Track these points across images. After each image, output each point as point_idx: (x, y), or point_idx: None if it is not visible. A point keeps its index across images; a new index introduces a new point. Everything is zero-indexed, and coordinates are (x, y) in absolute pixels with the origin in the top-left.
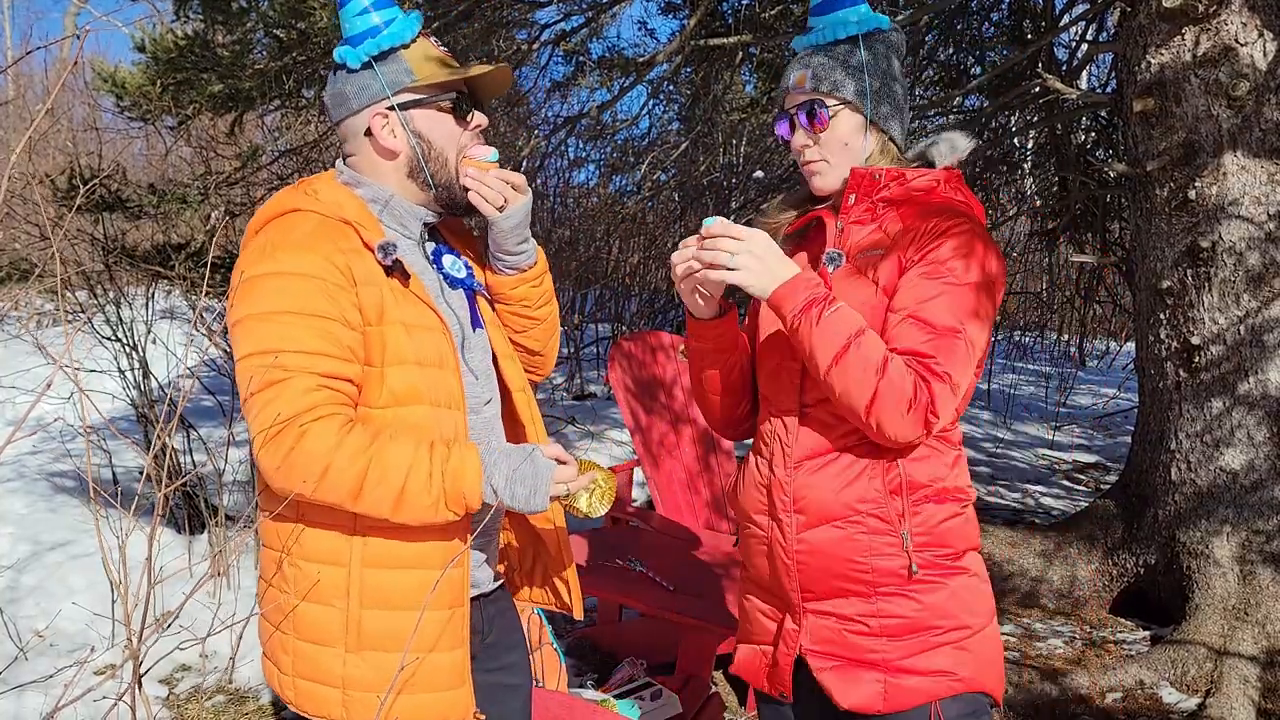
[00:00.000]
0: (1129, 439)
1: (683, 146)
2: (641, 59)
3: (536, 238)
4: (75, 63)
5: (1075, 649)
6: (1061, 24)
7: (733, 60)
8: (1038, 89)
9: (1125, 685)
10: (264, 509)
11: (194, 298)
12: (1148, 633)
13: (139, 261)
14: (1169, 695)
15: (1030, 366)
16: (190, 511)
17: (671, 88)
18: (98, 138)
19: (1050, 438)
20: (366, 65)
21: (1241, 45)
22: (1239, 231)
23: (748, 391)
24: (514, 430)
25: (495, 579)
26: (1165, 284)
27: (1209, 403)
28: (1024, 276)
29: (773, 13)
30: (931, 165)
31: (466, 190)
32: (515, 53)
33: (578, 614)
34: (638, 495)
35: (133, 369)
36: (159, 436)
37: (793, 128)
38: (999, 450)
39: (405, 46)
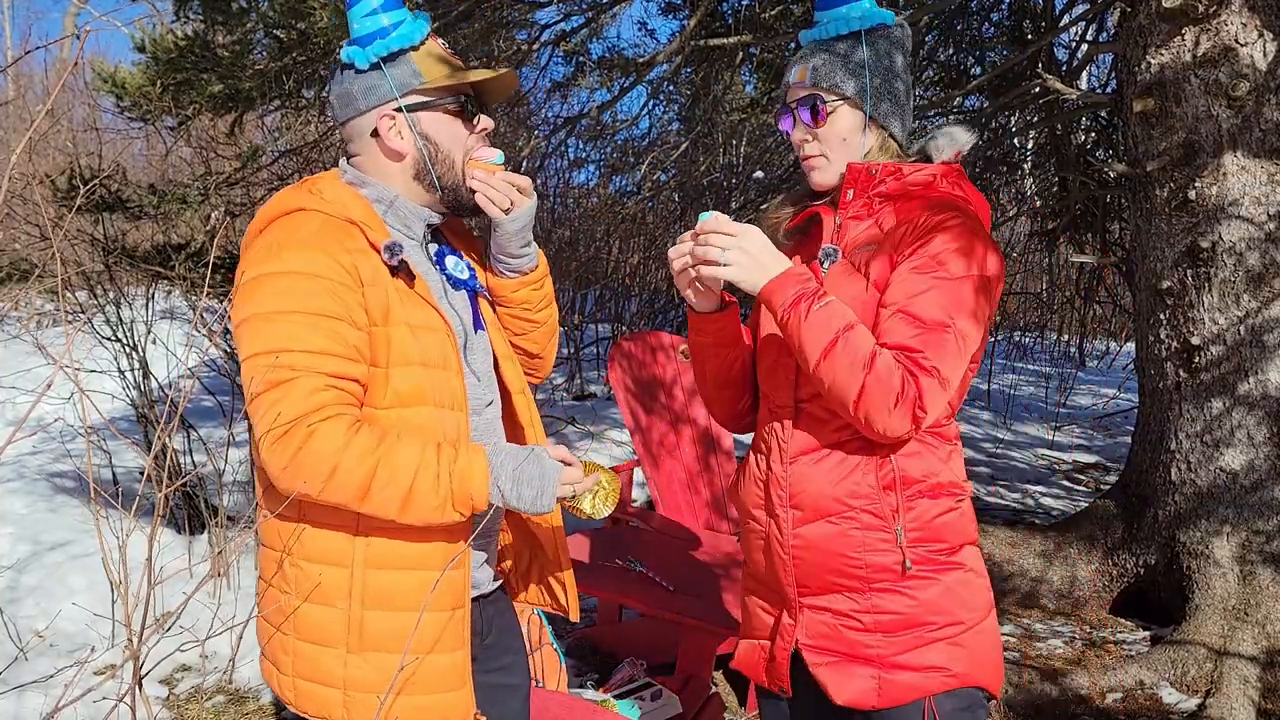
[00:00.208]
0: (1129, 439)
1: (683, 147)
2: (641, 59)
3: (536, 238)
4: (75, 63)
5: (1075, 649)
6: (1061, 24)
7: (733, 60)
8: (1038, 89)
9: (1125, 685)
10: (265, 509)
11: (194, 298)
12: (1148, 633)
13: (139, 262)
14: (1169, 695)
15: (1030, 367)
16: (190, 512)
17: (671, 88)
18: (98, 138)
19: (1050, 438)
20: (374, 66)
21: (1241, 45)
22: (1239, 232)
23: (749, 386)
24: (513, 432)
25: (494, 579)
26: (1165, 284)
27: (1209, 403)
28: (1024, 277)
29: (773, 13)
30: (931, 161)
31: (473, 192)
32: (515, 53)
33: (574, 615)
34: (638, 495)
35: (133, 369)
36: (160, 437)
37: (794, 122)
38: (999, 450)
39: (414, 48)
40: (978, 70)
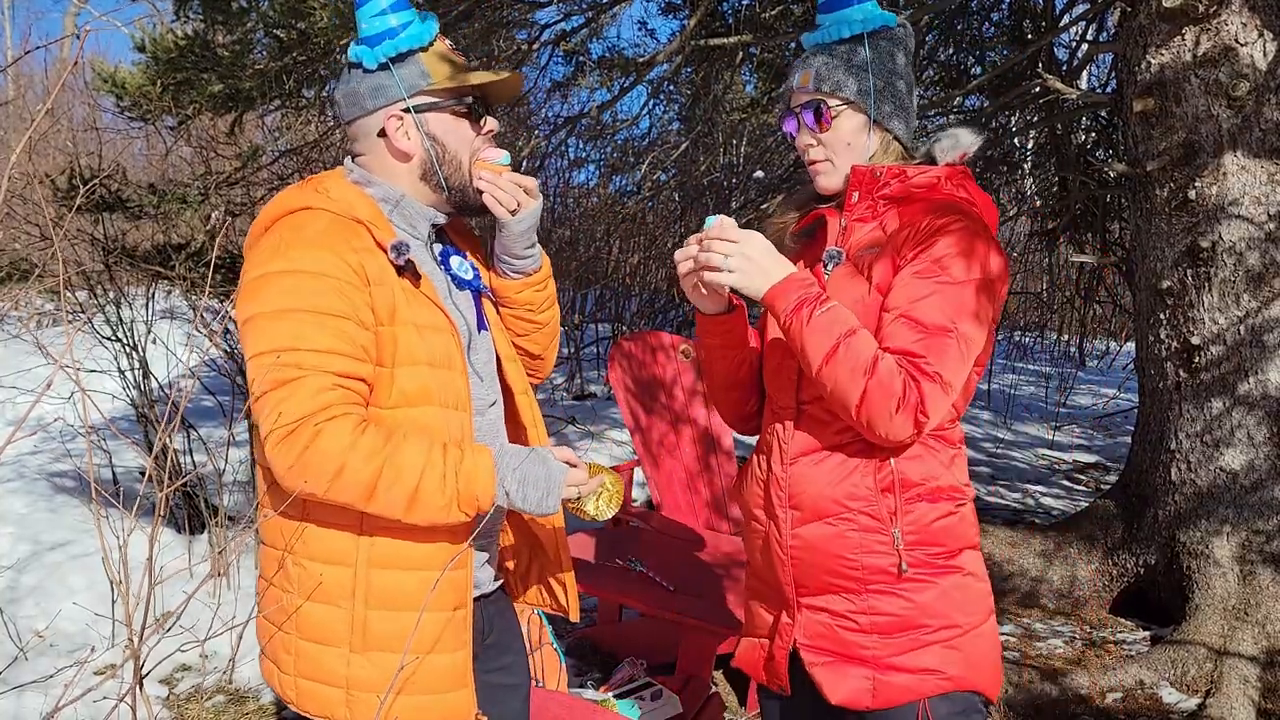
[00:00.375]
0: (1129, 439)
1: (683, 146)
2: (641, 59)
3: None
4: (75, 63)
5: (1075, 649)
6: (1061, 24)
7: (733, 60)
8: (1038, 89)
9: (1125, 685)
10: (268, 507)
11: (194, 298)
12: (1148, 633)
13: (139, 261)
14: (1169, 695)
15: (1030, 366)
16: (190, 511)
17: (671, 88)
18: (98, 138)
19: (1050, 438)
20: (382, 66)
21: (1241, 45)
22: (1239, 231)
23: (756, 388)
24: (516, 433)
25: (495, 579)
26: (1165, 284)
27: (1209, 403)
28: (1024, 277)
29: (773, 13)
30: (936, 163)
31: (480, 193)
32: (515, 53)
33: (574, 616)
34: (638, 495)
35: (133, 369)
36: (161, 437)
37: (798, 126)
38: (999, 450)
39: (422, 49)
40: (978, 70)
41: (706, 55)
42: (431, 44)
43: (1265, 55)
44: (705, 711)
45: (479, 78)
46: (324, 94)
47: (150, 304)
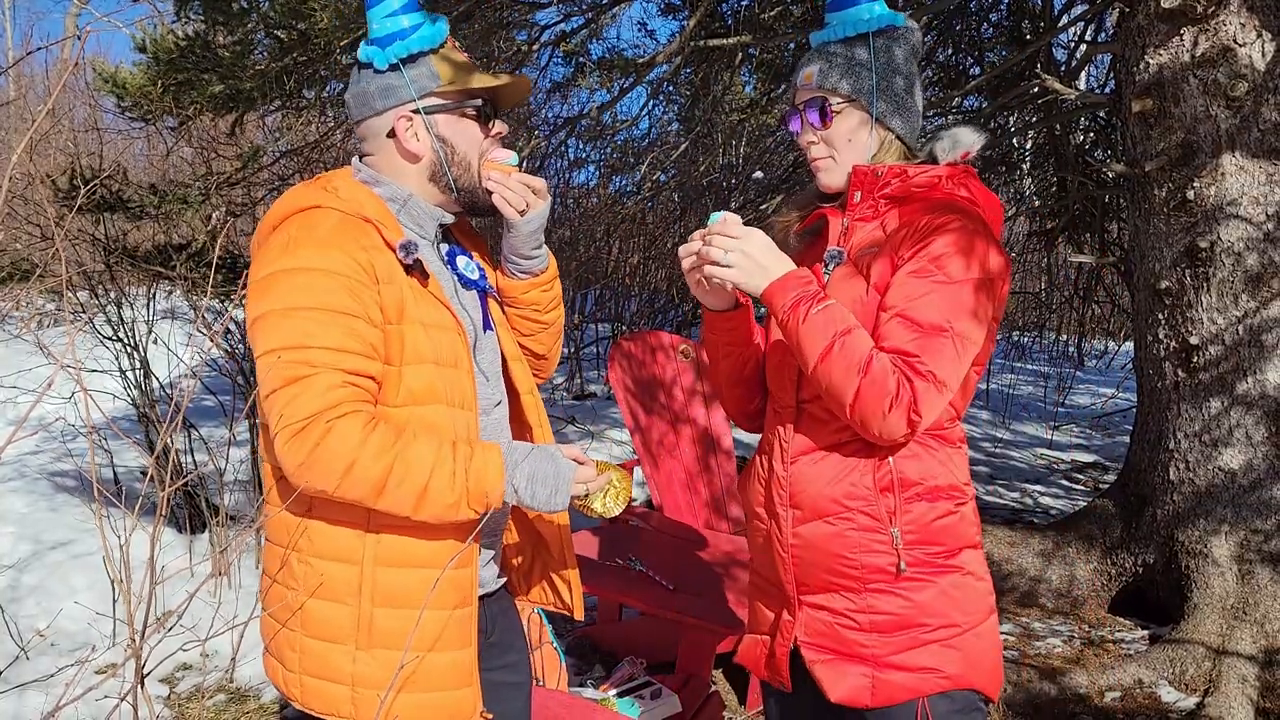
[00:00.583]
0: (1127, 439)
1: (682, 147)
2: (641, 60)
3: None
4: (76, 63)
5: (1074, 648)
6: (1060, 25)
7: (732, 61)
8: (1036, 89)
9: (1124, 684)
10: (273, 505)
11: (195, 298)
12: (1146, 632)
13: (140, 262)
14: (1167, 694)
15: (1029, 366)
16: (191, 511)
17: (671, 88)
18: (99, 138)
19: (1049, 437)
20: (393, 67)
21: (1240, 46)
22: (1237, 232)
23: (761, 386)
24: (521, 432)
25: (498, 577)
26: (1164, 284)
27: (1207, 403)
28: (1023, 276)
29: (772, 13)
30: (937, 162)
31: (489, 193)
32: (515, 54)
33: (578, 614)
34: (638, 495)
35: (134, 369)
36: (163, 437)
37: (802, 124)
38: (998, 450)
39: (433, 51)
40: (977, 71)
41: (706, 56)
42: (442, 46)
43: (1264, 55)
44: (705, 710)
45: (489, 81)
46: (324, 95)
47: (151, 304)
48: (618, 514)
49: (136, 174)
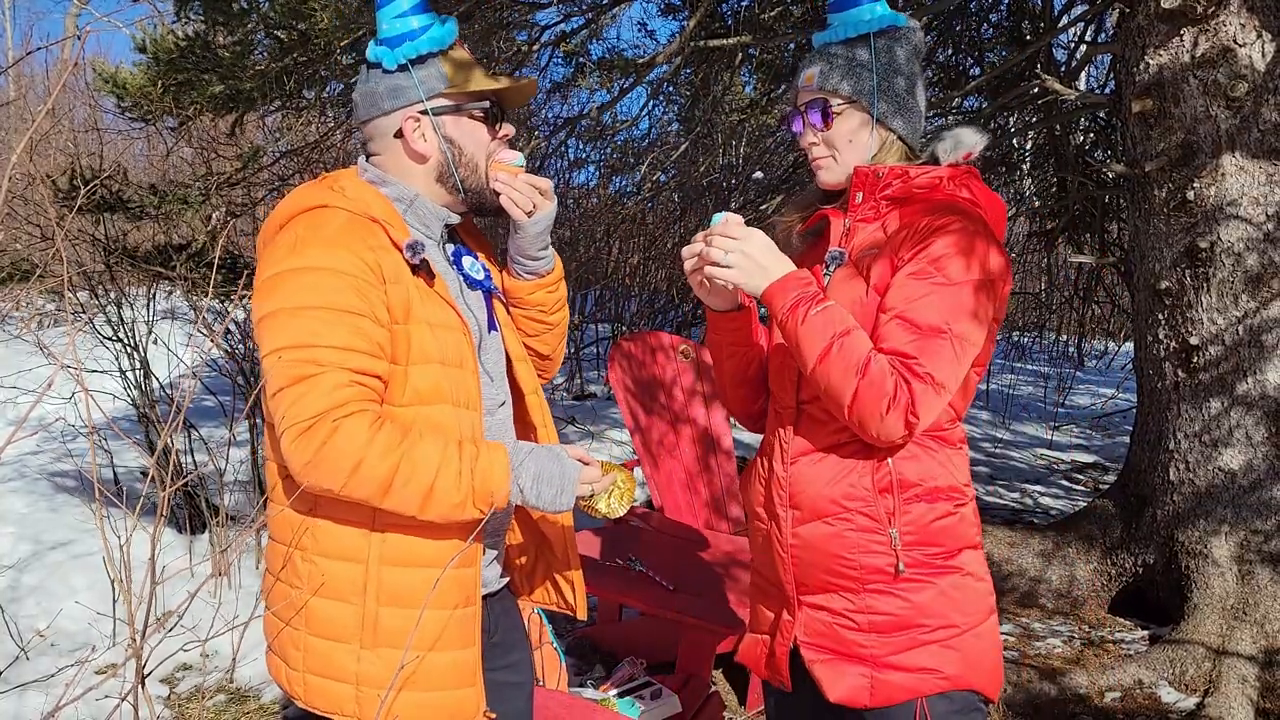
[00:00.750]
0: (1127, 439)
1: (682, 147)
2: (641, 60)
3: None
4: (76, 63)
5: (1074, 648)
6: (1060, 25)
7: (732, 61)
8: (1036, 90)
9: (1124, 685)
10: (277, 503)
11: (195, 298)
12: (1146, 632)
13: (140, 262)
14: (1167, 694)
15: (1029, 366)
16: (191, 511)
17: (671, 89)
18: (99, 138)
19: (1049, 438)
20: (402, 68)
21: (1240, 46)
22: (1237, 232)
23: (764, 386)
24: (525, 433)
25: (501, 577)
26: (1164, 284)
27: (1207, 403)
28: (1023, 277)
29: (772, 14)
30: (939, 163)
31: (497, 195)
32: (515, 54)
33: (581, 614)
34: (638, 495)
35: (134, 369)
36: (164, 437)
37: (803, 125)
38: (998, 450)
39: (442, 53)
40: (977, 71)
41: (706, 56)
42: (451, 48)
43: (1264, 56)
44: (705, 710)
45: (496, 83)
46: (325, 95)
47: (151, 304)
48: (622, 515)
49: (136, 174)
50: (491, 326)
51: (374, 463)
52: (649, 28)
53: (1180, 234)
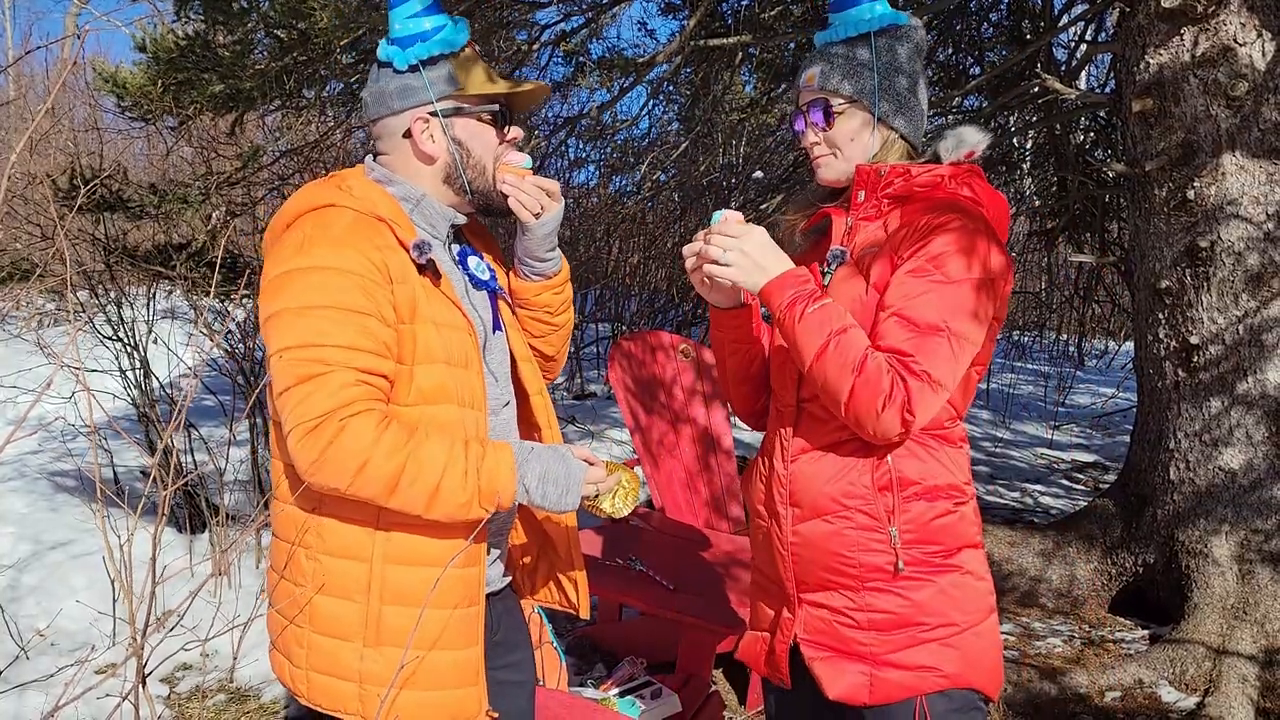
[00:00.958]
0: (1128, 438)
1: (682, 147)
2: (641, 59)
3: None
4: (76, 62)
5: (1074, 648)
6: (1060, 24)
7: (732, 61)
8: (1037, 89)
9: (1124, 684)
10: (281, 502)
11: (195, 298)
12: (1146, 632)
13: (140, 261)
14: (1168, 694)
15: (1029, 366)
16: (191, 511)
17: (671, 88)
18: (99, 138)
19: (1049, 437)
20: (413, 68)
21: (1240, 45)
22: (1238, 231)
23: (767, 384)
24: (529, 433)
25: (504, 576)
26: (1164, 284)
27: (1208, 402)
28: (1023, 276)
29: (772, 13)
30: (941, 162)
31: (505, 196)
32: (515, 53)
33: (584, 613)
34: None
35: (134, 369)
36: (164, 437)
37: (805, 124)
38: (998, 450)
39: (453, 55)
40: (976, 70)
41: (706, 55)
42: (462, 50)
43: (1264, 55)
44: (705, 710)
45: (506, 86)
46: (324, 94)
47: (151, 304)
48: (626, 514)
49: (136, 174)
50: (496, 327)
51: (380, 462)
52: (649, 27)
53: (1180, 233)
